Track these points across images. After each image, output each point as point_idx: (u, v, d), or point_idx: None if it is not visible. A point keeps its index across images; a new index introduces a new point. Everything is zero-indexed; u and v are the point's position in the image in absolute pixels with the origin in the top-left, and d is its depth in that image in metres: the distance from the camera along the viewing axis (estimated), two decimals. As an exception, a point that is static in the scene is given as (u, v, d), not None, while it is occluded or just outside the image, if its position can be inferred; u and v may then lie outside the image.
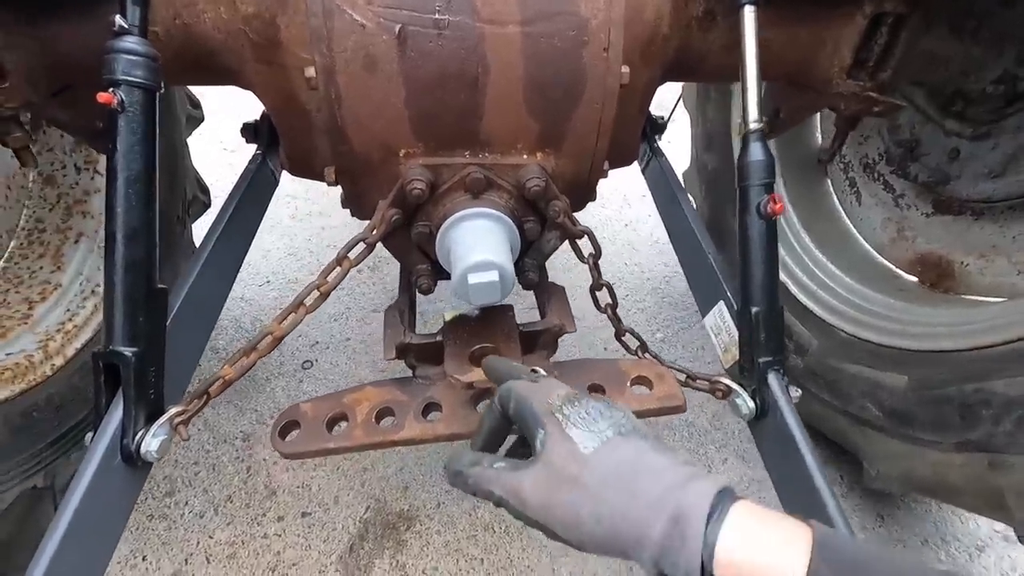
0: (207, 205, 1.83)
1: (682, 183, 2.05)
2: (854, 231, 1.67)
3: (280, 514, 1.35)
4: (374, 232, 0.88)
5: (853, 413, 1.29)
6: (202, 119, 1.80)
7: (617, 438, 0.57)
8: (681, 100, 2.02)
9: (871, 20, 1.01)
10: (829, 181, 1.76)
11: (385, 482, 1.42)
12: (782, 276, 1.62)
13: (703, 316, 1.14)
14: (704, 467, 0.59)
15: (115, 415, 0.82)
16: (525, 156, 0.88)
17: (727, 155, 1.83)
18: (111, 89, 0.78)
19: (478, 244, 0.81)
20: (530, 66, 0.79)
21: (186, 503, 1.37)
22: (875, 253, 1.60)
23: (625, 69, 0.83)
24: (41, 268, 1.39)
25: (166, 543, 1.29)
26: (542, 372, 0.80)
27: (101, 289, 1.41)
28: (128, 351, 0.82)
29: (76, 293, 1.38)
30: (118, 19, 0.78)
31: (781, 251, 1.66)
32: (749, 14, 0.89)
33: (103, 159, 1.51)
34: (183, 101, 1.67)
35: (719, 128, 1.85)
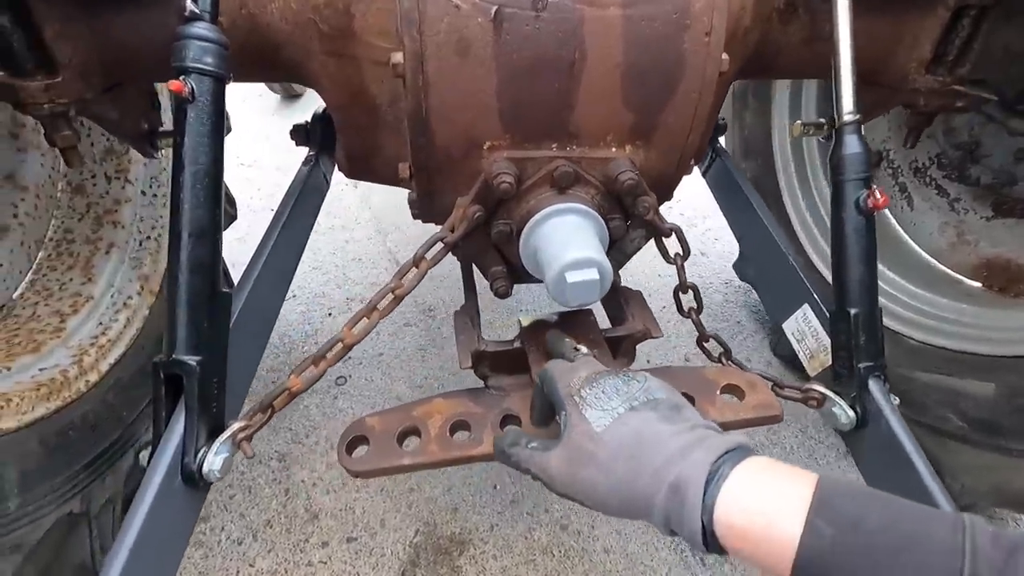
0: (234, 217, 1.77)
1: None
2: (906, 237, 1.62)
3: (324, 539, 1.27)
4: (454, 231, 0.82)
5: (929, 424, 1.23)
6: (230, 130, 1.75)
7: (627, 413, 0.63)
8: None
9: (954, 12, 0.98)
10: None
11: (433, 503, 1.34)
12: (835, 283, 1.57)
13: (780, 321, 1.08)
14: (711, 425, 0.59)
15: (176, 431, 0.75)
16: (614, 149, 0.83)
17: (767, 161, 1.80)
18: (181, 77, 0.73)
19: (574, 241, 0.76)
20: (629, 51, 0.75)
21: (222, 529, 1.29)
22: (930, 259, 1.55)
23: (725, 56, 0.79)
24: (71, 280, 1.32)
25: (203, 573, 1.21)
26: (583, 350, 0.80)
27: (134, 301, 1.36)
28: (192, 360, 0.75)
29: (108, 306, 1.31)
30: (189, 3, 0.74)
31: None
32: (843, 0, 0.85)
33: (134, 168, 1.45)
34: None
35: (757, 134, 1.82)
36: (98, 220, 1.42)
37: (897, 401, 0.91)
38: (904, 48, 1.04)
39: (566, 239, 0.76)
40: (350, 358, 1.77)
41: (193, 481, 0.76)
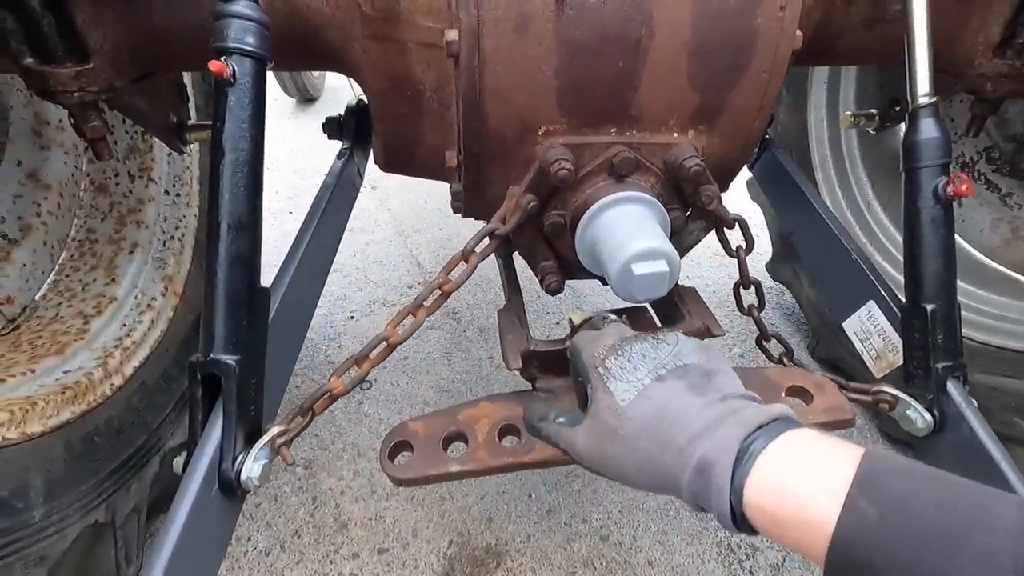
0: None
1: (747, 191, 1.96)
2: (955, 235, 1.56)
3: (354, 550, 1.21)
4: (507, 221, 0.77)
5: (995, 430, 1.16)
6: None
7: (653, 385, 0.59)
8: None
9: (1027, -10, 0.92)
10: (920, 183, 1.65)
11: (466, 513, 1.28)
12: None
13: (842, 320, 1.02)
14: (747, 395, 0.57)
15: (213, 435, 0.70)
16: (676, 134, 0.78)
17: (803, 157, 1.74)
18: (222, 58, 0.69)
19: (639, 231, 0.70)
20: (699, 27, 0.70)
21: (249, 539, 1.24)
22: (982, 256, 1.49)
23: (799, 33, 0.74)
24: (95, 280, 1.28)
25: (230, 585, 1.15)
26: (612, 317, 0.77)
27: (158, 302, 1.31)
28: (231, 359, 0.70)
29: (132, 307, 1.27)
30: (230, -20, 0.69)
31: (878, 256, 1.56)
32: (918, -27, 0.80)
33: (157, 167, 1.42)
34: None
35: (792, 130, 1.76)
36: (121, 220, 1.38)
37: (975, 404, 0.85)
38: (970, 30, 0.98)
39: (630, 230, 0.71)
40: (375, 362, 1.72)
41: (231, 489, 0.71)
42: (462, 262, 0.78)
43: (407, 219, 2.49)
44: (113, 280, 1.30)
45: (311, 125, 3.58)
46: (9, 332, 1.13)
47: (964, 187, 0.78)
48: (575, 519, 1.28)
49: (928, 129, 0.82)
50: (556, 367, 0.87)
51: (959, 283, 1.38)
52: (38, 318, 1.18)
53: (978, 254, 1.49)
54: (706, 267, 2.25)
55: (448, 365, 1.72)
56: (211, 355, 0.70)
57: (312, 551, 1.21)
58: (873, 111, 1.25)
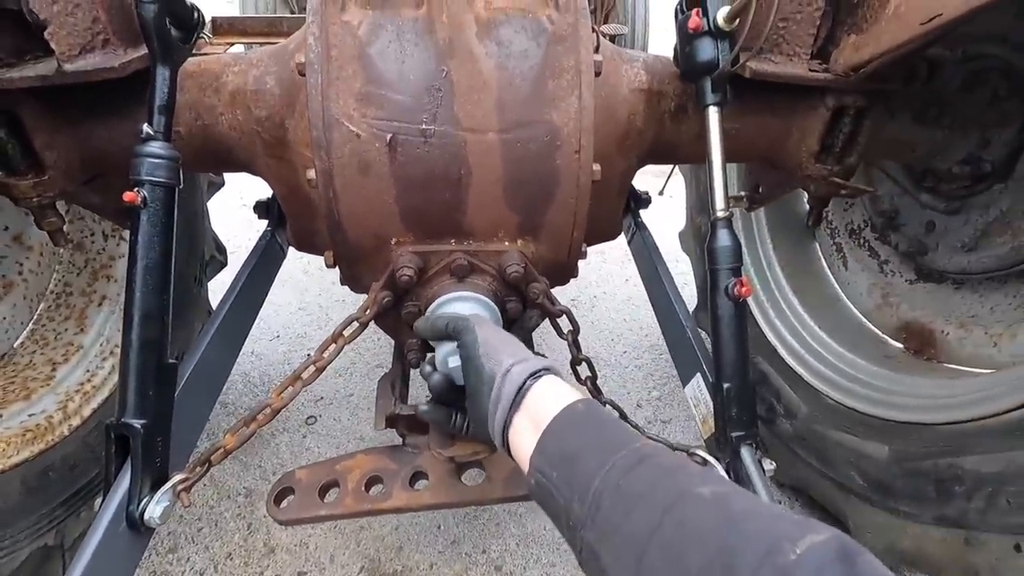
0: (224, 264, 1.93)
1: (679, 243, 2.13)
2: (842, 295, 1.71)
3: (277, 573, 1.39)
4: (367, 312, 0.95)
5: (839, 481, 1.31)
6: (223, 184, 1.92)
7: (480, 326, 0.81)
8: (676, 167, 2.11)
9: (834, 112, 1.09)
10: (817, 245, 1.81)
11: (380, 542, 1.45)
12: (773, 339, 1.66)
13: (683, 386, 1.18)
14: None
15: (123, 483, 0.89)
16: (506, 243, 0.96)
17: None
18: (136, 188, 0.88)
19: (460, 327, 0.88)
20: (508, 168, 0.88)
21: (187, 560, 1.42)
22: (862, 318, 1.64)
23: (596, 167, 0.91)
24: (66, 330, 1.48)
25: (166, 600, 1.33)
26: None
27: (118, 350, 1.51)
28: (137, 423, 0.89)
29: (96, 354, 1.47)
30: (145, 127, 0.89)
31: (772, 313, 1.71)
32: (713, 114, 0.97)
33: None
34: (205, 172, 1.78)
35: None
36: (94, 274, 1.59)
37: (772, 466, 1.01)
38: (794, 141, 1.15)
39: (454, 325, 0.89)
40: (321, 398, 1.91)
41: (136, 527, 0.89)
42: (332, 344, 0.96)
43: (375, 258, 2.69)
44: (82, 329, 1.50)
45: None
46: (-13, 378, 1.33)
47: (744, 290, 0.95)
48: (475, 550, 1.44)
49: (723, 238, 0.98)
50: (420, 427, 1.05)
51: (835, 345, 1.54)
52: (13, 364, 1.38)
53: (859, 316, 1.65)
54: (645, 310, 2.41)
55: (389, 402, 1.90)
56: (122, 419, 0.89)
57: (240, 572, 1.39)
58: (742, 194, 1.41)
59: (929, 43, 0.90)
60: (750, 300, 1.78)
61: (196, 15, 0.97)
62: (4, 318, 1.42)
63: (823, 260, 1.79)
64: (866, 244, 1.67)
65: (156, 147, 0.89)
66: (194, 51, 1.01)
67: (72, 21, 0.90)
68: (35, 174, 1.01)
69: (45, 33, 0.88)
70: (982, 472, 0.98)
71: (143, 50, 0.96)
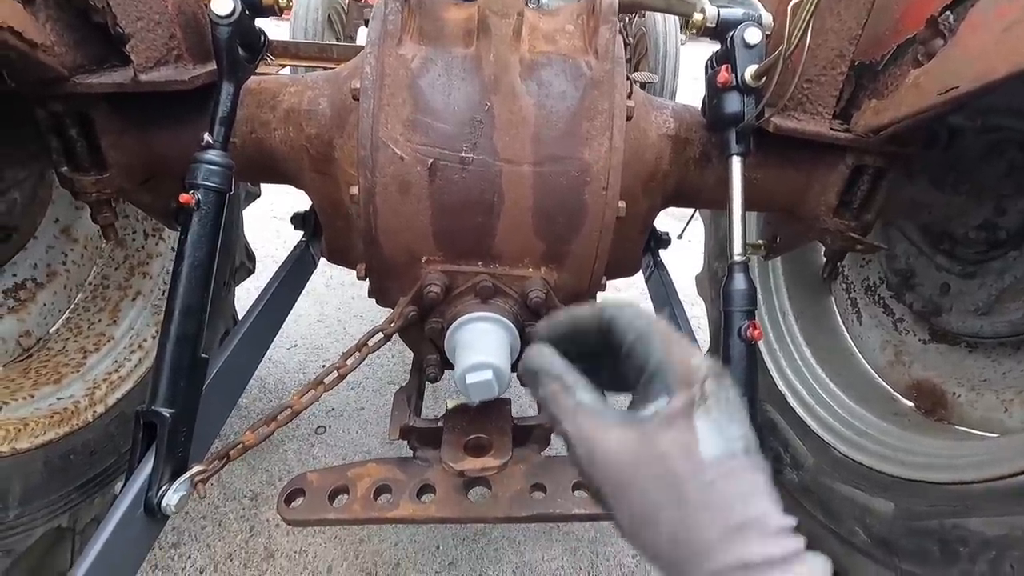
0: (251, 271, 2.00)
1: (695, 286, 2.16)
2: (855, 349, 1.72)
3: (275, 578, 1.40)
4: (392, 324, 0.99)
5: (843, 536, 1.30)
6: (259, 195, 2.01)
7: (743, 458, 0.46)
8: (697, 211, 2.16)
9: (853, 170, 1.13)
10: (832, 298, 1.83)
11: (379, 556, 1.46)
12: (784, 389, 1.67)
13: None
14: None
15: (145, 469, 0.93)
16: (531, 270, 1.00)
17: (736, 265, 1.93)
18: (191, 191, 0.95)
19: (478, 346, 0.92)
20: (539, 198, 0.93)
21: (189, 556, 1.44)
22: (874, 373, 1.64)
23: (622, 204, 0.96)
24: (100, 321, 1.55)
25: (165, 595, 1.35)
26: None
27: (148, 343, 1.57)
28: (166, 412, 0.93)
29: (125, 346, 1.53)
30: (206, 136, 0.96)
31: (784, 363, 1.72)
32: (736, 163, 1.02)
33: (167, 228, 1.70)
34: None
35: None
36: (131, 270, 1.66)
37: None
38: (813, 194, 1.19)
39: (473, 343, 0.93)
40: (332, 409, 1.94)
41: (153, 512, 0.93)
42: (356, 352, 1.00)
43: (395, 277, 2.76)
44: (115, 321, 1.56)
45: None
46: (22, 360, 1.40)
47: (756, 332, 0.98)
48: (472, 573, 1.44)
49: (739, 281, 1.02)
50: (432, 441, 1.08)
51: (845, 399, 1.55)
52: (47, 350, 1.45)
53: (871, 371, 1.65)
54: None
55: (398, 419, 1.93)
56: (152, 407, 0.93)
57: (240, 574, 1.40)
58: (760, 242, 1.45)
59: (947, 112, 0.95)
60: (762, 347, 1.80)
61: (262, 38, 1.05)
62: (45, 304, 1.49)
63: (838, 314, 1.80)
64: (881, 301, 1.68)
65: (214, 155, 0.96)
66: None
67: (152, 37, 0.99)
68: (98, 171, 1.08)
69: (127, 46, 0.97)
70: (987, 535, 0.98)
71: (211, 66, 1.04)
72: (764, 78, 0.97)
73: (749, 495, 0.45)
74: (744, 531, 0.43)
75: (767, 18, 1.00)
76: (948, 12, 0.87)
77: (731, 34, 0.98)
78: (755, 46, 0.97)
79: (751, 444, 0.47)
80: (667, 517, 0.45)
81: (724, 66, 0.99)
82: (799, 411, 1.58)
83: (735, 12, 1.01)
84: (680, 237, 3.13)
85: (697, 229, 2.15)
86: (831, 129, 1.05)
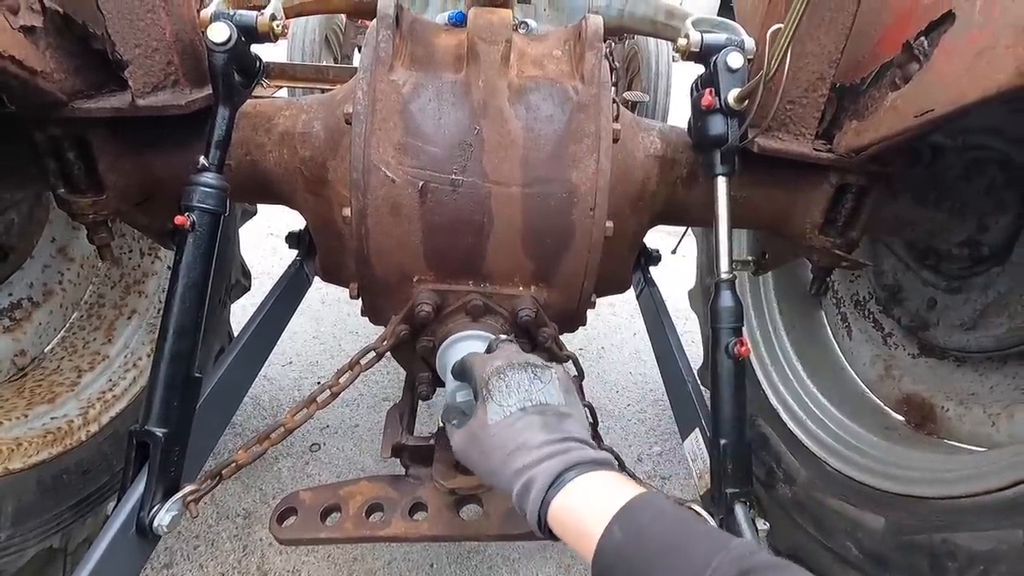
0: (247, 289, 2.01)
1: (688, 301, 2.18)
2: (846, 364, 1.73)
3: (267, 598, 1.39)
4: (384, 343, 1.01)
5: (834, 550, 1.30)
6: (255, 213, 2.03)
7: (516, 414, 0.76)
8: (689, 228, 2.19)
9: (837, 188, 1.15)
10: (823, 313, 1.85)
11: (372, 575, 1.46)
12: (776, 403, 1.68)
13: (683, 440, 1.21)
14: (583, 438, 0.75)
15: (137, 488, 0.93)
16: (520, 288, 1.02)
17: (727, 280, 1.95)
18: (186, 213, 0.97)
19: (470, 363, 0.93)
20: (528, 218, 0.95)
21: (181, 577, 1.43)
22: (864, 388, 1.65)
23: (609, 224, 0.98)
24: (95, 340, 1.55)
25: (156, 616, 1.34)
26: (503, 337, 0.94)
27: (143, 362, 1.58)
28: (159, 431, 0.94)
29: (120, 364, 1.53)
30: (202, 159, 0.98)
31: (775, 377, 1.74)
32: (721, 183, 1.05)
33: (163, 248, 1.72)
34: (241, 201, 1.89)
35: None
36: (127, 289, 1.67)
37: (767, 526, 1.02)
38: (799, 212, 1.21)
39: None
40: (327, 426, 1.94)
41: (144, 533, 0.93)
42: (349, 371, 1.01)
43: (391, 293, 2.77)
44: (109, 340, 1.57)
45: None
46: (17, 379, 1.40)
47: (743, 349, 0.99)
48: (466, 592, 1.44)
49: (726, 299, 1.03)
50: (424, 458, 1.08)
51: (837, 414, 1.56)
52: (42, 368, 1.45)
53: (862, 385, 1.67)
54: (651, 364, 2.43)
55: (392, 436, 1.93)
56: (145, 426, 0.94)
57: (232, 594, 1.39)
58: (750, 259, 1.47)
59: (926, 133, 0.97)
60: (755, 362, 1.82)
61: (258, 64, 1.08)
62: (40, 323, 1.50)
63: (828, 329, 1.82)
64: (870, 316, 1.70)
65: (209, 177, 0.98)
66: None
67: (150, 63, 1.01)
68: (94, 193, 1.10)
69: (125, 72, 0.99)
70: (974, 549, 0.98)
71: (207, 91, 1.06)
72: (747, 101, 1.00)
73: (519, 433, 0.75)
74: (515, 452, 0.73)
75: (749, 43, 1.03)
76: (922, 38, 0.90)
77: (714, 58, 1.01)
78: (737, 70, 1.00)
79: (526, 402, 0.77)
80: (483, 462, 0.78)
81: (708, 89, 1.02)
82: (791, 426, 1.59)
83: (718, 37, 1.04)
84: (674, 252, 3.17)
85: (690, 244, 2.18)
86: (814, 149, 1.08)
